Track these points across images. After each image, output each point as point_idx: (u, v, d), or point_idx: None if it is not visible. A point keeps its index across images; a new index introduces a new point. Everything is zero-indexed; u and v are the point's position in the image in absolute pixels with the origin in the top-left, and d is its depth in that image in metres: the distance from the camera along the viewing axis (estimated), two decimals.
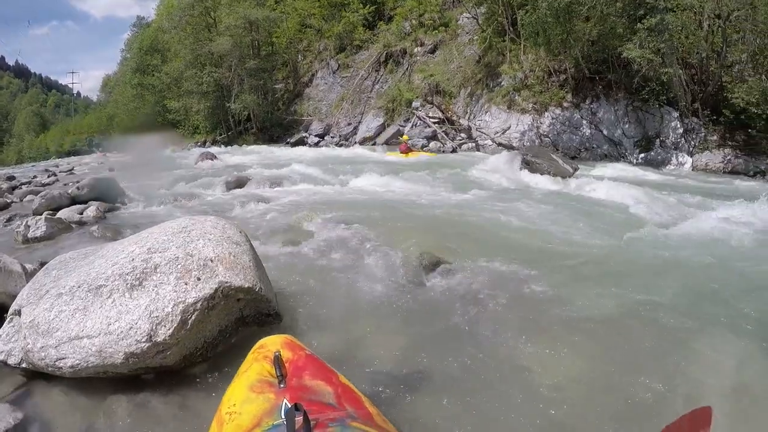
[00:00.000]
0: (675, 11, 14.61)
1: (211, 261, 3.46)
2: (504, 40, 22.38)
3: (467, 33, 26.81)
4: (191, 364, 3.33)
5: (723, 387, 3.13)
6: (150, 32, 52.68)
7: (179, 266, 3.37)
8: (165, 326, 3.09)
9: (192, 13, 39.12)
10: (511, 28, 21.87)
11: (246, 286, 3.47)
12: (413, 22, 30.57)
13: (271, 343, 2.59)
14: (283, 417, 1.98)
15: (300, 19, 38.57)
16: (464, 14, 27.24)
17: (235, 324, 3.59)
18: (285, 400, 2.13)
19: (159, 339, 3.06)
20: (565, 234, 6.52)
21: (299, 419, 1.83)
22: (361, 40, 33.54)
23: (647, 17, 14.42)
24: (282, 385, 2.27)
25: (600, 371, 3.31)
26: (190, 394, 3.11)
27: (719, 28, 14.61)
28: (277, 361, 2.39)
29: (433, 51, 28.41)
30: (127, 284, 3.27)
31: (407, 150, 18.13)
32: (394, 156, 18.04)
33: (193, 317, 3.19)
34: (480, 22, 24.94)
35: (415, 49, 29.24)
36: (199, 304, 3.22)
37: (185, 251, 3.49)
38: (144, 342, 3.03)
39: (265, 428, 1.99)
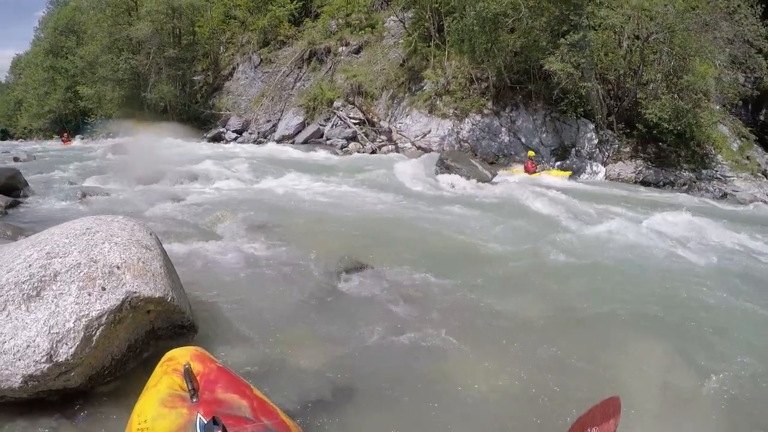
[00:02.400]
0: (597, 29, 15.25)
1: (118, 268, 3.12)
2: (429, 46, 22.59)
3: (393, 36, 26.92)
4: (100, 383, 3.01)
5: (639, 385, 3.22)
6: (67, 11, 50.37)
7: (82, 274, 3.01)
8: (67, 344, 2.75)
9: None
10: (437, 34, 22.14)
11: (157, 296, 3.15)
12: (340, 21, 30.45)
13: (180, 356, 2.41)
14: None
15: (225, 10, 37.78)
16: (391, 17, 27.33)
17: (145, 338, 3.27)
18: (199, 415, 2.03)
19: (60, 359, 2.72)
20: (484, 238, 6.60)
21: None
22: (286, 35, 33.14)
23: (570, 33, 14.93)
24: (194, 399, 2.16)
25: (522, 374, 3.30)
26: (100, 416, 2.81)
27: (638, 48, 15.49)
28: (188, 374, 2.24)
29: (357, 51, 28.37)
30: (23, 294, 2.88)
31: (533, 168, 15.57)
32: (520, 174, 15.21)
33: (98, 333, 2.86)
34: (406, 26, 25.10)
35: (340, 49, 29.15)
36: (104, 318, 2.89)
37: (89, 256, 3.13)
38: (44, 363, 2.68)
39: None
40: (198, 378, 2.28)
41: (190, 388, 2.19)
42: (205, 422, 1.92)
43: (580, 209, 8.62)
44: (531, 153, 16.09)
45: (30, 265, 3.01)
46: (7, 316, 2.78)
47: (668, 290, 4.87)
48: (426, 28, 22.94)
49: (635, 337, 3.82)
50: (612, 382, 3.20)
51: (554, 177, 15.13)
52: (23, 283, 2.90)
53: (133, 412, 2.18)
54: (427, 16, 22.53)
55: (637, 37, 15.22)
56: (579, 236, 6.73)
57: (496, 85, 19.20)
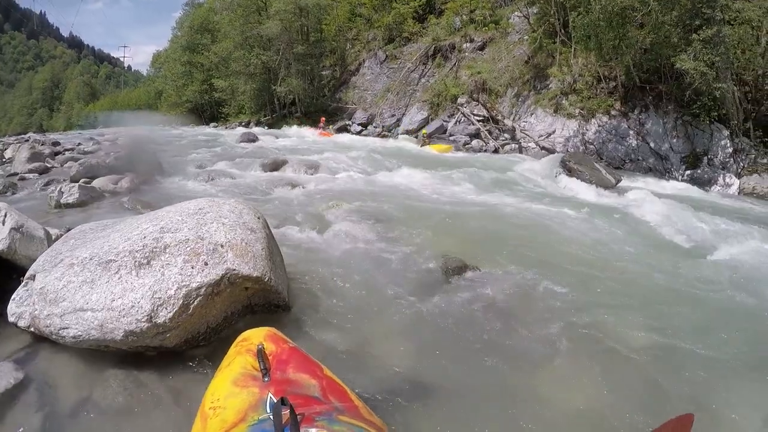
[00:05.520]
0: (732, 24, 14.13)
1: (222, 246, 3.40)
2: (554, 42, 21.94)
3: (517, 32, 26.37)
4: (194, 347, 3.29)
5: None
6: (201, 12, 53.26)
7: (188, 249, 3.32)
8: (166, 308, 3.05)
9: None
10: (562, 30, 21.43)
11: (254, 275, 3.40)
12: (464, 17, 30.21)
13: (254, 336, 2.53)
14: (268, 411, 1.96)
15: (350, 8, 38.57)
16: (516, 13, 26.83)
17: (242, 311, 3.56)
18: (270, 394, 2.09)
19: (159, 321, 3.02)
20: (597, 249, 6.28)
21: (286, 413, 1.82)
22: (411, 32, 33.29)
23: (703, 28, 13.87)
24: (266, 379, 2.23)
25: (612, 403, 3.15)
26: (189, 377, 3.08)
27: None
28: (261, 355, 2.34)
29: (482, 48, 28.04)
30: (135, 262, 3.23)
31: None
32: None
33: (196, 302, 3.14)
34: (531, 21, 24.55)
35: (464, 45, 28.88)
36: (203, 290, 3.17)
37: (197, 234, 3.44)
38: (144, 322, 3.00)
39: (251, 423, 1.95)
40: (270, 358, 2.37)
41: (262, 367, 2.28)
42: (275, 401, 1.96)
43: (709, 227, 7.85)
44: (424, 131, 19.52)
45: (145, 237, 3.36)
46: (119, 278, 3.13)
47: None
48: (551, 24, 22.27)
49: (746, 385, 3.41)
50: (704, 421, 2.92)
51: (435, 151, 18.41)
52: (137, 251, 3.25)
53: (207, 391, 2.27)
54: (552, 11, 21.86)
55: None
56: (704, 258, 6.13)
57: (624, 85, 18.20)
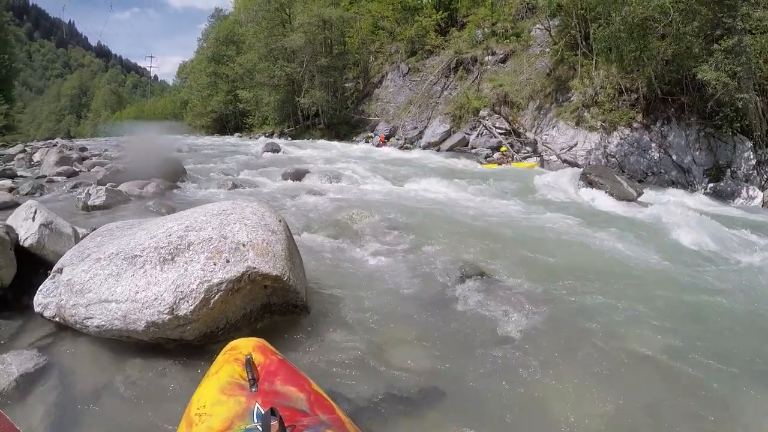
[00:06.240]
0: (754, 33, 13.98)
1: (243, 245, 3.53)
2: (576, 54, 21.86)
3: (539, 45, 26.35)
4: (212, 341, 3.38)
5: None
6: (227, 24, 54.24)
7: (211, 247, 3.45)
8: (188, 302, 3.17)
9: (268, 8, 40.00)
10: (583, 42, 21.36)
11: (274, 274, 3.51)
12: (485, 30, 30.33)
13: (243, 346, 2.56)
14: (256, 421, 1.98)
15: (373, 21, 38.90)
16: (537, 25, 26.81)
17: (261, 309, 3.65)
18: (257, 405, 2.11)
19: (180, 313, 3.14)
20: (619, 261, 6.23)
21: (274, 424, 1.83)
22: (433, 45, 33.50)
23: (724, 38, 13.76)
24: (253, 389, 2.24)
25: (626, 417, 3.13)
26: (206, 371, 3.10)
27: None
28: (249, 364, 2.36)
29: (503, 61, 28.11)
30: (160, 257, 3.37)
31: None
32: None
33: (216, 297, 3.26)
34: (552, 34, 24.53)
35: (486, 58, 28.97)
36: (223, 285, 3.29)
37: (220, 233, 3.57)
38: (166, 314, 3.12)
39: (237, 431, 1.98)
40: (258, 369, 2.38)
41: (250, 377, 2.28)
42: (263, 412, 1.96)
43: (732, 241, 7.69)
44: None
45: (170, 234, 3.50)
46: (144, 272, 3.27)
47: None
48: (572, 36, 22.23)
49: (761, 399, 3.32)
50: None
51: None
52: (162, 248, 3.39)
53: (193, 397, 2.28)
54: (573, 24, 21.81)
55: None
56: (724, 270, 6.06)
57: (646, 97, 18.03)
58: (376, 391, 3.07)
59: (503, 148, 20.45)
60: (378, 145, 25.96)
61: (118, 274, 3.30)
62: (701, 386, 3.45)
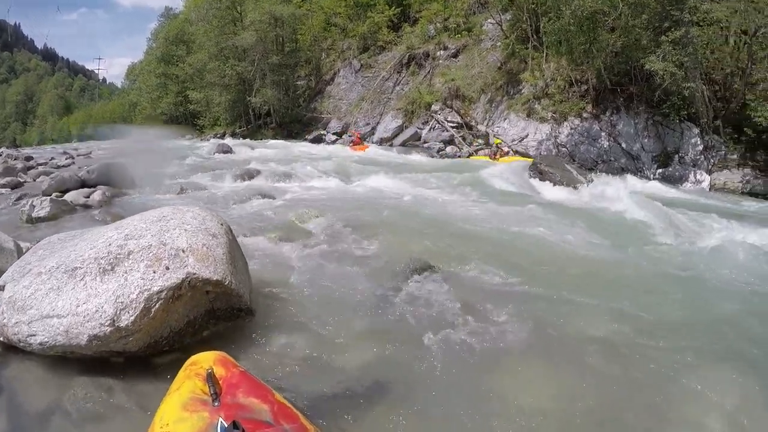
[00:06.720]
0: (701, 25, 14.35)
1: (183, 251, 3.47)
2: (527, 48, 22.11)
3: (491, 39, 26.54)
4: (158, 352, 3.33)
5: (701, 423, 3.01)
6: (177, 23, 53.13)
7: (151, 254, 3.39)
8: (128, 312, 3.11)
9: (219, 6, 39.25)
10: (534, 36, 21.60)
11: (215, 278, 3.46)
12: (438, 25, 30.33)
13: (204, 360, 2.53)
14: None
15: (325, 17, 38.59)
16: (489, 20, 26.97)
17: (205, 316, 3.58)
18: (221, 419, 2.08)
19: (122, 324, 3.08)
20: (569, 248, 6.37)
21: None
22: (385, 41, 33.40)
23: (672, 30, 14.11)
24: (216, 404, 2.22)
25: (578, 395, 3.21)
26: (153, 384, 3.10)
27: (745, 45, 14.34)
28: (211, 379, 2.33)
29: (455, 55, 28.20)
30: (100, 268, 3.29)
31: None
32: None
33: (157, 305, 3.20)
34: (504, 28, 24.71)
35: (438, 53, 29.05)
36: (164, 293, 3.23)
37: (159, 240, 3.51)
38: (107, 326, 3.05)
39: None
40: (220, 382, 2.36)
41: (212, 392, 2.26)
42: (226, 426, 1.96)
43: (678, 221, 7.96)
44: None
45: (110, 244, 3.43)
46: (84, 284, 3.19)
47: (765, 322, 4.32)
48: (523, 30, 22.47)
49: (713, 372, 3.45)
50: (670, 415, 3.05)
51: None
52: (102, 258, 3.31)
53: (155, 416, 2.25)
54: (524, 18, 22.05)
55: (745, 32, 14.06)
56: (671, 252, 6.27)
57: (596, 87, 18.34)
58: (326, 389, 3.08)
59: (497, 140, 20.30)
60: (353, 143, 25.07)
61: (59, 288, 3.22)
62: (652, 364, 3.56)
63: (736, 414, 3.08)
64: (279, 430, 2.08)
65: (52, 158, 19.23)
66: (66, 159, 18.70)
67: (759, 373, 3.45)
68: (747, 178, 14.11)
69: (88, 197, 8.47)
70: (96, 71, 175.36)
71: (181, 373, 2.50)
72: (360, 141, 25.59)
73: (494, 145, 19.54)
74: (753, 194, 13.59)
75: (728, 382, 3.37)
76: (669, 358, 3.63)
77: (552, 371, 3.45)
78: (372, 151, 22.69)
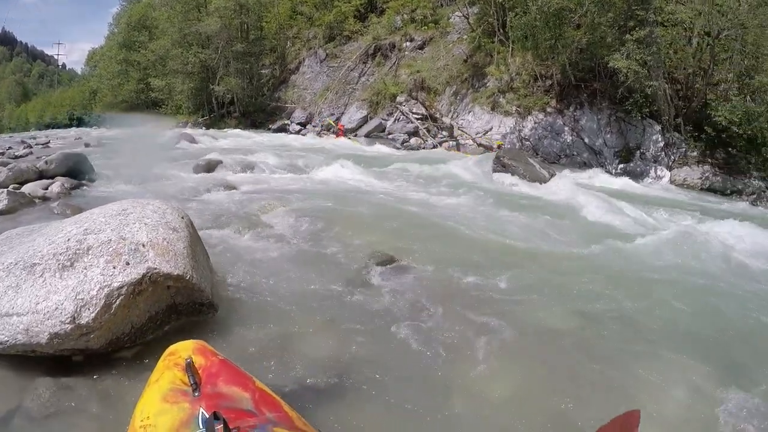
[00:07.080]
0: (666, 26, 14.71)
1: (143, 246, 3.40)
2: (493, 42, 22.32)
3: (457, 32, 26.69)
4: (119, 348, 3.26)
5: (662, 404, 3.11)
6: (139, 8, 52.02)
7: (110, 249, 3.32)
8: (89, 309, 3.04)
9: None
10: (501, 30, 21.82)
11: (176, 273, 3.40)
12: (405, 16, 30.35)
13: (183, 349, 2.45)
14: (201, 427, 1.93)
15: (291, 5, 38.24)
16: (456, 13, 27.13)
17: (166, 311, 3.53)
18: (201, 409, 2.03)
19: (82, 321, 3.00)
20: (529, 240, 6.47)
21: (219, 428, 1.79)
22: (351, 31, 33.26)
23: (637, 29, 14.42)
24: (196, 394, 2.17)
25: (544, 384, 3.29)
26: (117, 381, 3.04)
27: (708, 46, 14.74)
28: (190, 369, 2.28)
29: (421, 47, 28.26)
30: (59, 264, 3.22)
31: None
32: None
33: (118, 301, 3.14)
34: (471, 21, 24.90)
35: (404, 44, 29.06)
36: (124, 289, 3.17)
37: (119, 234, 3.43)
38: (68, 323, 2.98)
39: None
40: (200, 371, 2.31)
41: (192, 382, 2.21)
42: (207, 417, 1.93)
43: (638, 215, 8.22)
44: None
45: (69, 239, 3.35)
46: (43, 281, 3.12)
47: (721, 309, 4.55)
48: (490, 24, 22.66)
49: (671, 355, 3.62)
50: (635, 398, 3.11)
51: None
52: (60, 254, 3.24)
53: (136, 409, 2.20)
54: (491, 12, 22.24)
55: (708, 34, 14.42)
56: (631, 244, 6.39)
57: (560, 83, 18.74)
58: (291, 383, 3.05)
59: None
60: (336, 135, 25.08)
61: (18, 285, 3.13)
62: (613, 352, 3.70)
63: (687, 400, 3.20)
64: (261, 419, 2.04)
65: (9, 147, 18.52)
66: (24, 149, 18.03)
67: (712, 359, 3.61)
68: (706, 174, 14.57)
69: (47, 189, 8.18)
70: (56, 57, 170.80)
71: (160, 364, 2.43)
72: (343, 134, 25.80)
73: (458, 137, 19.62)
74: (711, 190, 14.09)
75: (681, 361, 3.57)
76: (626, 348, 3.76)
77: (513, 362, 3.50)
78: (341, 141, 22.74)
